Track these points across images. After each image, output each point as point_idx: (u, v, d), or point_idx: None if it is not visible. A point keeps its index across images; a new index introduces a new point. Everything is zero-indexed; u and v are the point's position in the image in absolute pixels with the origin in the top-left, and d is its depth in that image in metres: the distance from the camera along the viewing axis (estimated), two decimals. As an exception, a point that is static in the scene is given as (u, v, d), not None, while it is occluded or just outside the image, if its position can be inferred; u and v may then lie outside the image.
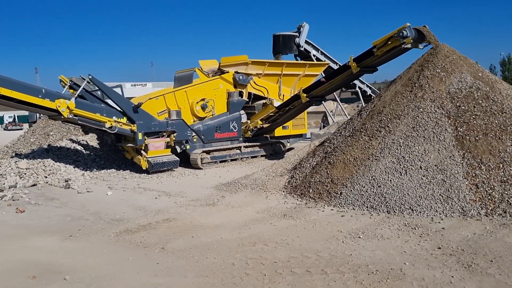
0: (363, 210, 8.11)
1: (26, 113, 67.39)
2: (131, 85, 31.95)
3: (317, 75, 18.27)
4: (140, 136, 13.65)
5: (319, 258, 5.78)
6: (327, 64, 18.62)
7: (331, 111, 25.42)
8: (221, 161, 15.27)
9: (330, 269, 5.37)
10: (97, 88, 13.80)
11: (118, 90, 13.97)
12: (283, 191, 10.19)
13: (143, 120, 13.70)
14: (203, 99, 15.09)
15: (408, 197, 7.99)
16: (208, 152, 14.95)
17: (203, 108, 15.12)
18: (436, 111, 9.37)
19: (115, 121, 13.33)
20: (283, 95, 17.03)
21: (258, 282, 5.08)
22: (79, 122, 12.90)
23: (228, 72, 15.87)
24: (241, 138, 16.14)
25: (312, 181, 9.73)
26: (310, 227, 7.27)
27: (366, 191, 8.52)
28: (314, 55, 19.78)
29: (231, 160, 15.53)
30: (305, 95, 14.02)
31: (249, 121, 16.31)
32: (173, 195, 10.50)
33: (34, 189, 11.86)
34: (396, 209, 7.84)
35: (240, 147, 15.75)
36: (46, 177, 13.41)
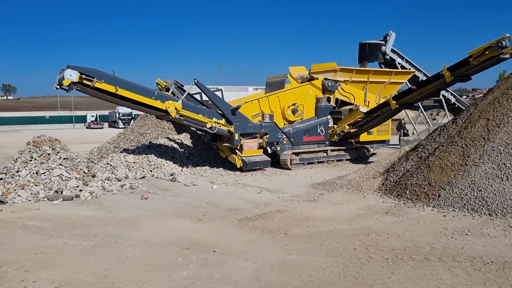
0: (464, 211, 8.57)
1: (106, 113, 72.24)
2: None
3: (402, 83, 18.63)
4: (236, 136, 14.77)
5: (433, 249, 6.40)
6: (413, 72, 18.91)
7: (403, 118, 25.41)
8: (308, 163, 16.07)
9: (446, 258, 5.99)
10: (199, 91, 15.14)
11: (218, 94, 15.19)
12: (378, 192, 10.80)
13: (240, 122, 14.82)
14: (293, 104, 15.99)
15: (510, 201, 8.35)
16: (297, 154, 15.82)
17: (294, 112, 16.02)
18: (537, 120, 9.61)
19: (215, 122, 14.53)
20: (369, 101, 17.55)
21: (383, 264, 5.81)
22: (184, 122, 14.22)
23: (317, 78, 16.67)
24: (327, 142, 16.86)
25: (408, 184, 10.27)
26: (415, 223, 7.87)
27: (466, 194, 8.96)
28: (399, 63, 20.11)
29: (318, 162, 16.29)
30: (394, 102, 14.51)
31: (335, 126, 17.00)
32: (274, 191, 11.42)
33: (144, 181, 13.26)
34: (498, 212, 8.24)
35: (327, 150, 16.47)
36: (151, 171, 14.89)
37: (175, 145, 17.68)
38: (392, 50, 19.89)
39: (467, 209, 8.64)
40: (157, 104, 13.69)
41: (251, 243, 6.80)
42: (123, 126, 63.55)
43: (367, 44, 19.34)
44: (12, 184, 10.99)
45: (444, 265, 5.75)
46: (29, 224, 8.12)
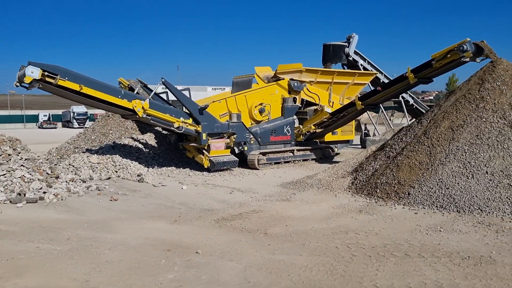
0: (433, 209, 8.87)
1: (59, 112, 69.74)
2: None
3: (365, 84, 19.07)
4: (204, 136, 14.63)
5: (412, 246, 6.58)
6: (375, 73, 19.41)
7: (360, 119, 26.02)
8: (275, 163, 16.14)
9: (426, 254, 6.18)
10: (165, 90, 14.89)
11: (186, 93, 15.00)
12: (348, 191, 11.01)
13: (207, 122, 14.69)
14: (261, 104, 16.02)
15: (476, 198, 8.73)
16: (264, 154, 15.86)
17: (261, 112, 16.05)
18: (498, 121, 10.09)
19: (182, 122, 14.34)
20: (333, 102, 17.84)
21: (367, 261, 5.91)
22: (151, 121, 13.93)
23: (283, 79, 16.79)
24: (293, 142, 17.01)
25: (378, 183, 10.53)
26: (390, 221, 8.07)
27: (435, 192, 9.29)
28: (361, 65, 20.58)
29: (285, 162, 16.40)
30: (360, 102, 14.83)
31: (301, 126, 17.18)
32: (245, 191, 11.39)
33: (111, 182, 12.89)
34: (465, 209, 8.59)
35: (293, 150, 16.61)
36: (116, 171, 14.49)
37: (140, 145, 17.31)
38: (355, 52, 20.34)
39: (436, 207, 8.95)
40: (124, 103, 13.34)
41: (233, 244, 6.74)
42: (78, 126, 61.59)
43: (331, 45, 19.66)
44: (-31, 186, 10.42)
45: (425, 261, 5.92)
46: (-5, 228, 7.70)
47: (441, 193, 9.19)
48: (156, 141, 18.15)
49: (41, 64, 12.05)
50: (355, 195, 10.55)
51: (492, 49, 11.81)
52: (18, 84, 12.58)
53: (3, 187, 10.57)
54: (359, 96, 15.05)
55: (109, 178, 13.84)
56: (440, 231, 7.34)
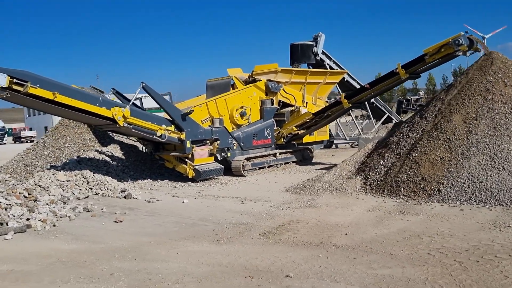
0: (473, 204, 8.64)
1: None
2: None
3: (335, 83, 18.92)
4: (188, 144, 13.51)
5: (503, 245, 6.18)
6: (345, 72, 19.34)
7: None
8: (259, 168, 15.38)
9: (526, 253, 5.80)
10: (141, 96, 13.56)
11: (167, 98, 13.78)
12: (365, 192, 10.58)
13: (191, 128, 13.58)
14: (242, 107, 15.18)
15: (515, 190, 8.62)
16: (248, 159, 15.03)
17: (242, 115, 15.22)
18: (511, 112, 10.16)
19: (165, 130, 13.12)
20: (307, 102, 17.44)
21: (481, 267, 5.39)
22: (132, 131, 12.56)
23: (260, 80, 16.09)
24: (273, 145, 16.36)
25: (399, 181, 10.17)
26: (445, 220, 7.68)
27: (469, 187, 9.09)
28: (328, 64, 20.43)
29: (268, 166, 15.69)
30: (346, 101, 14.53)
31: (280, 128, 16.56)
32: (255, 200, 10.53)
33: (93, 201, 11.42)
34: (507, 202, 8.44)
35: (276, 153, 15.95)
36: (91, 188, 12.94)
37: (107, 158, 15.71)
38: (322, 52, 20.15)
39: (475, 202, 8.74)
40: (102, 111, 11.89)
41: (314, 261, 5.92)
42: (-5, 142, 56.37)
43: (299, 45, 19.30)
44: None
45: (534, 260, 5.53)
46: (1, 270, 6.20)
47: (476, 187, 9.00)
48: (122, 152, 16.61)
49: (7, 69, 10.34)
50: (376, 196, 10.12)
51: (483, 42, 12.01)
52: (-24, 93, 10.75)
53: (-22, 216, 8.83)
54: (345, 94, 14.73)
55: (87, 196, 12.28)
56: (509, 226, 7.06)
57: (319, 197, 10.43)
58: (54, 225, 8.92)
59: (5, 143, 58.16)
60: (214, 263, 6.06)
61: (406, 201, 9.42)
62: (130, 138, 15.07)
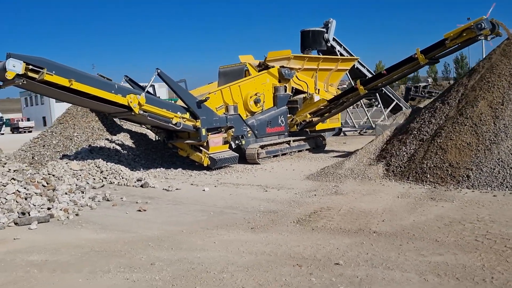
0: (505, 190, 8.50)
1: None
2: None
3: (347, 69, 18.70)
4: (203, 132, 13.28)
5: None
6: (357, 58, 19.10)
7: None
8: (273, 156, 15.20)
9: None
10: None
11: (182, 85, 13.52)
12: (388, 178, 10.44)
13: (206, 116, 13.35)
14: (256, 94, 14.95)
15: (547, 175, 8.49)
16: (262, 147, 14.83)
17: (256, 102, 14.99)
18: (537, 96, 9.99)
19: (180, 117, 12.89)
20: (319, 89, 17.22)
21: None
22: (148, 119, 12.31)
23: (273, 66, 15.83)
24: (286, 133, 16.16)
25: (425, 167, 10.02)
26: (481, 206, 7.53)
27: (499, 173, 8.94)
28: (338, 51, 20.17)
29: (282, 154, 15.50)
30: (362, 87, 14.31)
31: (293, 115, 16.35)
32: (279, 188, 10.36)
33: (110, 190, 11.21)
34: (540, 187, 8.31)
35: (290, 141, 15.76)
36: (105, 178, 12.75)
37: (117, 147, 15.49)
38: (333, 38, 19.87)
39: (507, 187, 8.59)
40: (118, 99, 11.64)
41: (360, 248, 5.76)
42: (-7, 132, 55.97)
43: (310, 31, 18.99)
44: (-48, 209, 8.37)
45: None
46: (36, 260, 6.01)
47: (507, 173, 8.86)
48: (132, 141, 16.41)
49: (22, 56, 10.06)
50: (401, 182, 9.98)
51: (506, 27, 11.80)
52: (-10, 81, 10.50)
53: (-1, 206, 8.62)
54: (361, 80, 14.50)
55: (103, 185, 12.09)
56: (550, 212, 6.92)
57: (342, 184, 10.26)
58: (76, 215, 8.74)
59: (3, 134, 57.70)
60: (256, 251, 5.89)
61: (434, 187, 9.27)
62: (142, 126, 14.78)
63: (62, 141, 17.00)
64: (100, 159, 13.61)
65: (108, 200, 10.07)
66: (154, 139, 16.20)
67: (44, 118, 61.82)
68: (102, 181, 12.52)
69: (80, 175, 12.73)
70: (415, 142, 11.03)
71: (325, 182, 10.65)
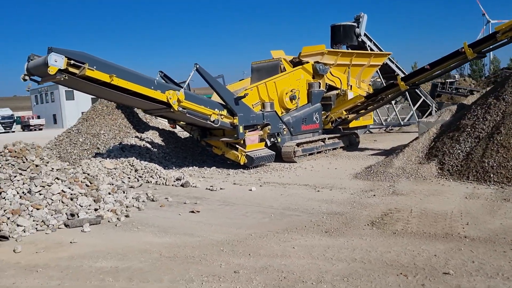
0: None
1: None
2: None
3: (379, 65, 18.19)
4: (241, 129, 12.83)
5: None
6: (389, 54, 18.59)
7: None
8: (309, 154, 14.75)
9: None
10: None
11: (220, 81, 13.08)
12: (443, 178, 9.97)
13: (243, 113, 12.90)
14: (291, 90, 14.48)
15: None
16: (298, 145, 14.37)
17: (292, 99, 14.53)
18: None
19: (218, 114, 12.45)
20: (351, 85, 16.73)
21: None
22: (187, 116, 11.88)
23: (307, 62, 15.36)
24: (321, 130, 15.70)
25: (486, 166, 9.53)
26: None
27: None
28: (368, 46, 19.66)
29: (317, 152, 15.05)
30: (403, 83, 13.81)
31: (327, 112, 15.88)
32: (332, 188, 9.89)
33: (149, 190, 10.80)
34: None
35: (324, 139, 15.30)
36: (140, 177, 12.35)
37: (148, 145, 15.08)
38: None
39: None
40: (157, 95, 11.21)
41: (460, 255, 5.29)
42: (3, 131, 55.80)
43: (341, 26, 18.49)
44: (-2, 210, 7.96)
45: None
46: (105, 267, 5.57)
47: None
48: (161, 138, 16.00)
49: (65, 50, 9.64)
50: (461, 182, 9.50)
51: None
52: (27, 77, 10.10)
53: (46, 207, 8.22)
54: (402, 76, 14.01)
55: (140, 185, 11.70)
56: None
57: (398, 183, 9.80)
58: (126, 216, 8.33)
59: (13, 131, 57.52)
60: (345, 258, 5.43)
61: (502, 187, 8.78)
62: (179, 123, 14.30)
63: (89, 139, 16.64)
64: (134, 158, 13.22)
65: (153, 200, 9.66)
66: (184, 137, 15.78)
67: (54, 116, 61.58)
68: (138, 180, 12.12)
69: (114, 174, 12.36)
70: (470, 140, 10.54)
71: (377, 182, 10.19)
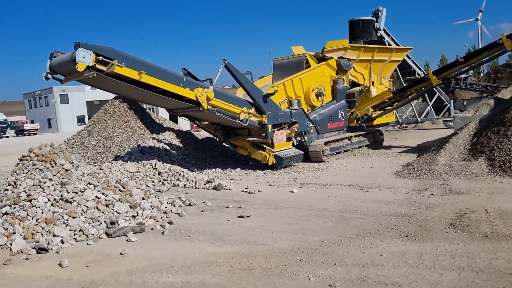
0: None
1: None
2: None
3: (399, 61, 17.71)
4: (270, 128, 12.20)
5: None
6: (411, 48, 18.08)
7: None
8: (336, 153, 14.16)
9: None
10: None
11: (248, 77, 12.44)
12: (499, 174, 9.49)
13: (272, 111, 12.27)
14: (318, 87, 13.89)
15: None
16: (326, 144, 13.77)
17: (318, 96, 13.94)
18: None
19: (247, 112, 11.81)
20: (373, 81, 16.19)
21: None
22: (216, 114, 11.22)
23: (331, 57, 14.78)
24: (345, 128, 15.13)
25: (544, 162, 9.02)
26: None
27: None
28: (387, 41, 19.13)
29: (344, 151, 14.46)
30: (435, 77, 13.27)
31: (351, 109, 15.32)
32: (381, 188, 9.29)
33: (179, 193, 10.17)
34: None
35: (351, 137, 14.72)
36: (165, 179, 11.68)
37: (166, 146, 14.40)
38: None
39: None
40: (187, 93, 10.55)
41: None
42: (-2, 136, 54.71)
43: (360, 21, 17.94)
44: (30, 219, 7.29)
45: None
46: (174, 282, 4.91)
47: None
48: (179, 140, 15.33)
49: (92, 46, 8.95)
50: (518, 179, 8.96)
51: None
52: (50, 75, 9.41)
53: (81, 215, 7.53)
54: (433, 70, 13.46)
55: (168, 188, 11.03)
56: None
57: (450, 182, 9.23)
58: (170, 223, 7.66)
59: (7, 137, 56.35)
60: (450, 266, 4.83)
61: None
62: (201, 123, 13.62)
63: (102, 142, 15.94)
64: (156, 160, 12.56)
65: (190, 205, 9.00)
66: (201, 138, 15.11)
67: (49, 120, 60.48)
68: (163, 183, 11.45)
69: (137, 178, 11.68)
70: (517, 134, 10.02)
71: (426, 180, 9.62)
